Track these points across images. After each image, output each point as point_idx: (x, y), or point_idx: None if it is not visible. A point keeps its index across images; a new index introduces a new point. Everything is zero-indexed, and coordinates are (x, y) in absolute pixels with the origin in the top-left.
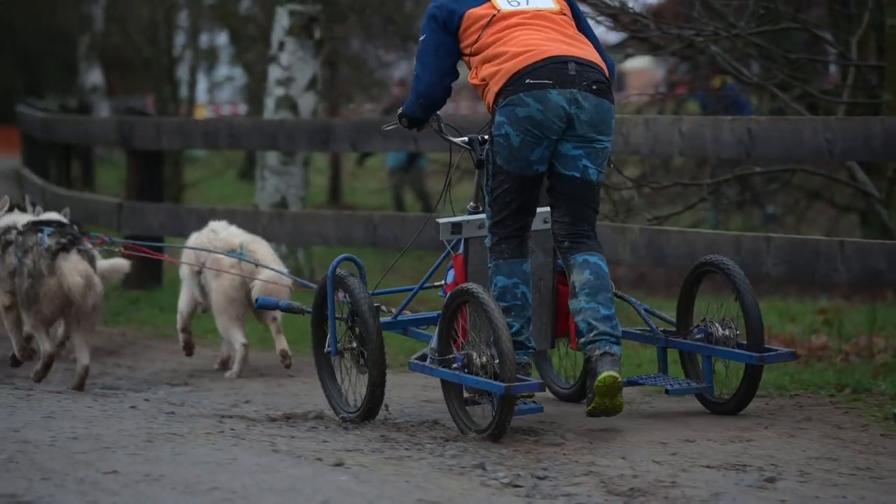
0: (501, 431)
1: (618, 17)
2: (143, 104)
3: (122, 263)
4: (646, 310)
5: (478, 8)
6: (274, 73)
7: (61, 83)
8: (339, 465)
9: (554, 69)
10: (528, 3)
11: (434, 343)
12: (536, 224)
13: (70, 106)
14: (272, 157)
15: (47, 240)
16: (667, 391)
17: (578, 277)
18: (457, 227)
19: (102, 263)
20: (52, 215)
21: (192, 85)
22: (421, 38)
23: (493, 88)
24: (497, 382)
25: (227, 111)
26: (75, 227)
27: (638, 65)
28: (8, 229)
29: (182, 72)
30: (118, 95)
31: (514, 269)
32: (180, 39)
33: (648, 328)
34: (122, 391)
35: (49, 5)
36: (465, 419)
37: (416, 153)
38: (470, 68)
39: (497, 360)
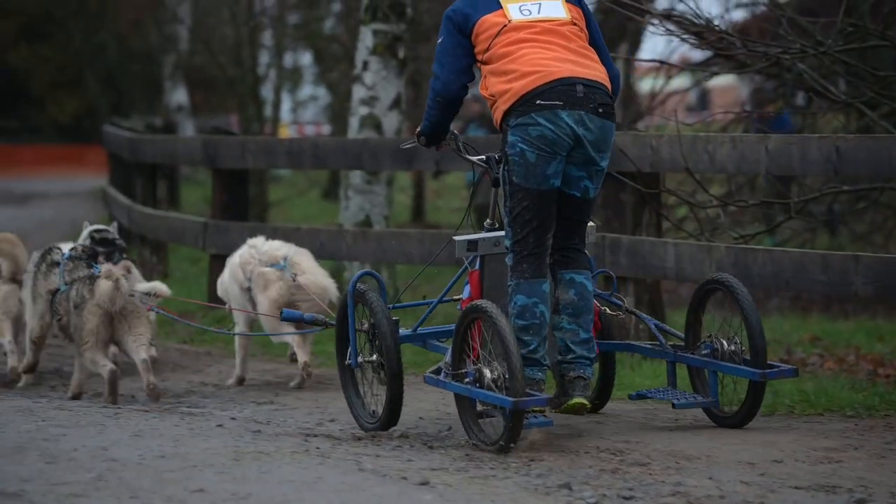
0: (511, 444)
1: (703, 35)
2: (228, 123)
3: (161, 287)
4: (656, 325)
5: (490, 15)
6: (358, 92)
7: (146, 102)
8: (424, 483)
9: (563, 91)
10: (539, 12)
11: (448, 357)
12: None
13: (155, 125)
14: (356, 177)
15: (99, 270)
16: (673, 405)
17: (563, 296)
18: (473, 244)
19: (143, 285)
20: (101, 227)
21: (277, 104)
22: (439, 41)
23: (503, 107)
24: (506, 397)
25: (311, 131)
26: (121, 242)
27: (723, 82)
28: (51, 249)
29: (266, 91)
30: (202, 115)
31: (533, 289)
32: (264, 59)
33: (658, 343)
34: (208, 409)
35: (135, 25)
36: (478, 432)
37: None
38: (481, 77)
39: (507, 376)
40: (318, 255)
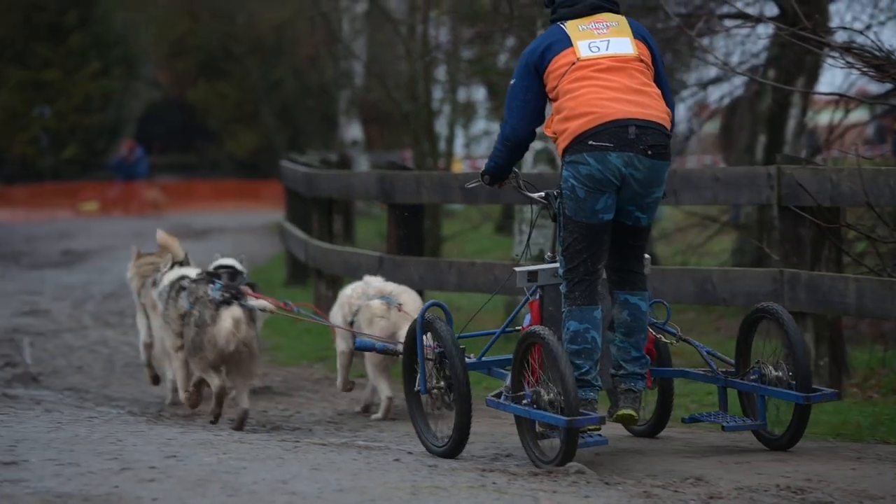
0: (567, 461)
1: (883, 68)
2: (402, 158)
3: (267, 305)
4: (708, 352)
5: (562, 54)
6: None
7: (322, 138)
8: None
9: (614, 133)
10: (607, 49)
11: (508, 381)
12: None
13: (331, 160)
14: (530, 211)
15: (216, 292)
16: (723, 428)
17: (618, 315)
18: (533, 275)
19: (254, 302)
20: (228, 261)
21: (451, 139)
22: (511, 83)
23: (562, 144)
24: (560, 416)
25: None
26: (245, 275)
27: None
28: (182, 277)
29: (440, 126)
30: (376, 150)
31: (585, 315)
32: (438, 94)
33: (710, 369)
34: (385, 444)
35: (311, 61)
36: (536, 451)
37: None
38: (549, 120)
39: (562, 397)
40: (492, 290)
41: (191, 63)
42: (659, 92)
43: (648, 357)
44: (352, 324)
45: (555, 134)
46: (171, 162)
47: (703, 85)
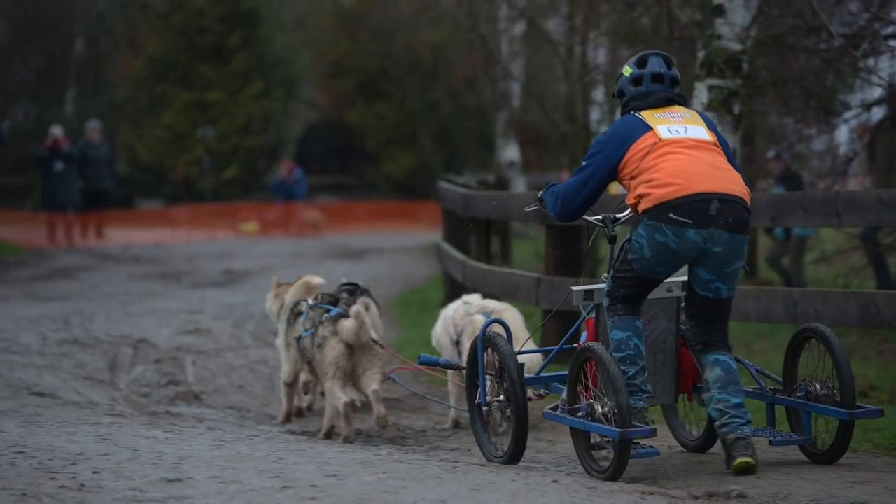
0: (620, 472)
1: None
2: (559, 180)
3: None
4: (757, 370)
5: (641, 139)
6: None
7: (479, 159)
8: None
9: (696, 208)
10: (686, 133)
11: (564, 395)
12: (660, 293)
13: (488, 181)
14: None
15: (333, 312)
16: (770, 442)
17: (710, 374)
18: (589, 293)
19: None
20: (350, 283)
21: None
22: (584, 163)
23: (643, 206)
24: (614, 428)
25: None
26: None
27: None
28: (299, 302)
29: None
30: (534, 171)
31: (627, 324)
32: (595, 115)
33: (759, 387)
34: (543, 465)
35: (468, 83)
36: (591, 462)
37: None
38: (627, 190)
39: (615, 409)
40: None
41: (349, 84)
42: (738, 173)
43: (746, 409)
44: (457, 343)
45: (637, 198)
46: (330, 183)
47: (867, 106)
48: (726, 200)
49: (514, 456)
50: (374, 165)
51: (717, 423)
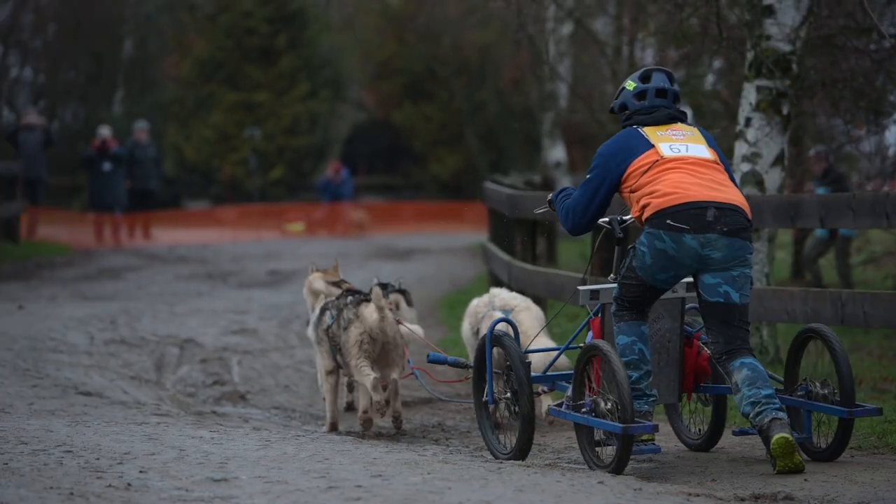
0: (622, 467)
1: None
2: None
3: (418, 330)
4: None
5: (643, 156)
6: (740, 148)
7: (525, 159)
8: None
9: (693, 215)
10: (687, 151)
11: (569, 392)
12: (665, 294)
13: (535, 182)
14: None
15: (351, 298)
16: None
17: (738, 376)
18: (595, 293)
19: (407, 326)
20: (383, 283)
21: None
22: (588, 176)
23: (644, 215)
24: (616, 423)
25: None
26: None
27: None
28: (328, 303)
29: None
30: (580, 172)
31: (632, 329)
32: None
33: None
34: (587, 466)
35: (515, 83)
36: (594, 457)
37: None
38: (629, 204)
39: (619, 406)
40: None
41: (396, 85)
42: (738, 188)
43: (778, 400)
44: (477, 332)
45: (640, 210)
46: (376, 183)
47: None
48: (723, 208)
49: (520, 453)
50: (421, 166)
51: (751, 416)
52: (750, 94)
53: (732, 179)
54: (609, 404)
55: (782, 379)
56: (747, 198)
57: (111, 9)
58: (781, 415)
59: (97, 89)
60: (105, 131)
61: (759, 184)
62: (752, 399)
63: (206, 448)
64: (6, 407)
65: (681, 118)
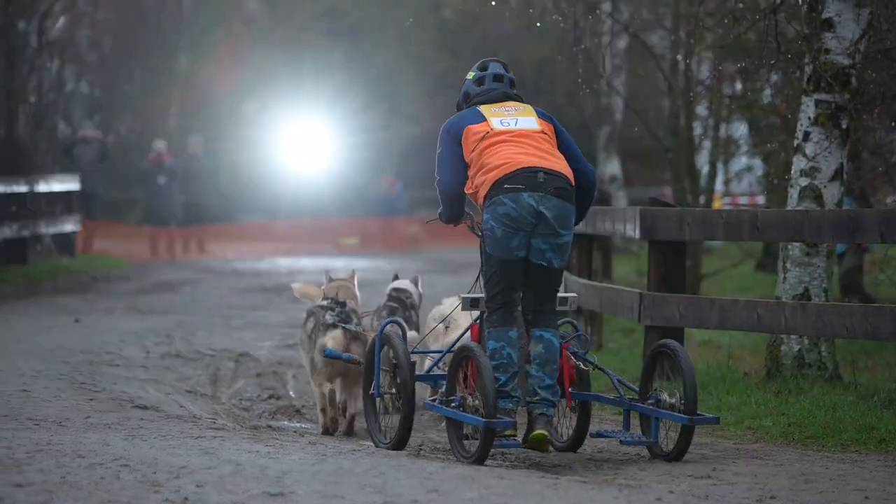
0: (483, 458)
1: None
2: (661, 195)
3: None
4: (618, 380)
5: (476, 125)
6: (798, 163)
7: None
8: None
9: (526, 177)
10: (516, 125)
11: (443, 388)
12: None
13: None
14: (795, 248)
15: (328, 318)
16: (621, 442)
17: (534, 349)
18: (475, 302)
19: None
20: (402, 284)
21: (713, 176)
22: (438, 151)
23: (481, 193)
24: (479, 418)
25: (744, 202)
26: (412, 301)
27: None
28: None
29: (700, 162)
30: (635, 186)
31: (502, 335)
32: (699, 129)
33: (618, 394)
34: (646, 482)
35: (571, 97)
36: (461, 449)
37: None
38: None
39: (482, 402)
40: (755, 328)
41: (451, 99)
42: (562, 156)
43: (559, 387)
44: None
45: (475, 188)
46: (431, 198)
47: None
48: (550, 173)
49: (399, 443)
50: None
51: (528, 398)
52: (808, 108)
53: (569, 148)
54: (476, 401)
55: (637, 388)
56: (805, 213)
57: (166, 23)
58: (551, 411)
59: (153, 103)
60: (160, 145)
61: (818, 198)
62: (536, 383)
63: (262, 462)
64: (63, 420)
65: (515, 97)
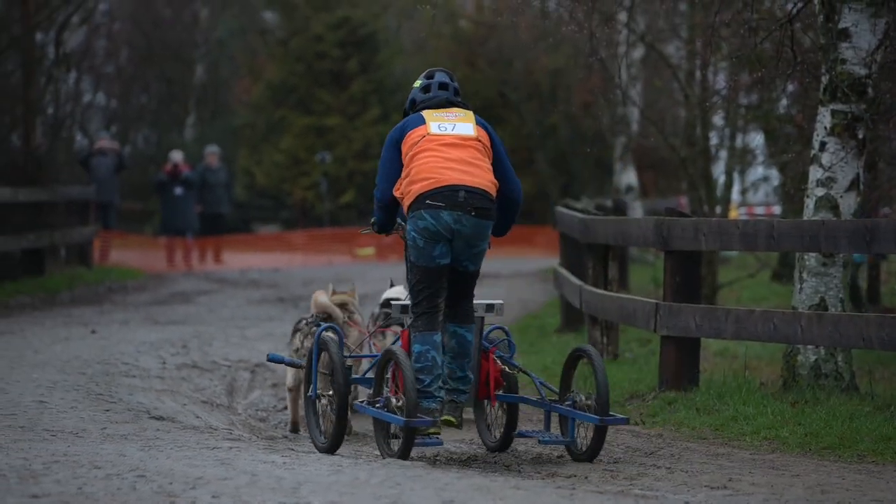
0: (406, 455)
1: None
2: (677, 205)
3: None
4: (540, 382)
5: (416, 129)
6: (815, 173)
7: (596, 184)
8: None
9: (447, 195)
10: (453, 130)
11: (371, 389)
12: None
13: (606, 206)
14: (811, 259)
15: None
16: (539, 441)
17: (448, 343)
18: (406, 308)
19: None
20: (396, 290)
21: (729, 186)
22: (382, 157)
23: (406, 203)
24: (400, 417)
25: (761, 213)
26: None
27: None
28: (300, 320)
29: (716, 172)
30: (651, 196)
31: (426, 339)
32: (715, 139)
33: (540, 396)
34: (661, 493)
35: (586, 107)
36: (386, 446)
37: None
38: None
39: (404, 402)
40: (771, 338)
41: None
42: (489, 166)
43: (471, 376)
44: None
45: (402, 195)
46: None
47: None
48: (472, 191)
49: (335, 443)
50: None
51: (440, 384)
52: (825, 119)
53: (499, 155)
54: (400, 402)
55: (557, 389)
56: (822, 223)
57: (183, 34)
58: (462, 398)
59: (169, 114)
60: (177, 156)
61: (834, 208)
62: (449, 375)
63: (278, 473)
64: (80, 431)
65: (458, 104)
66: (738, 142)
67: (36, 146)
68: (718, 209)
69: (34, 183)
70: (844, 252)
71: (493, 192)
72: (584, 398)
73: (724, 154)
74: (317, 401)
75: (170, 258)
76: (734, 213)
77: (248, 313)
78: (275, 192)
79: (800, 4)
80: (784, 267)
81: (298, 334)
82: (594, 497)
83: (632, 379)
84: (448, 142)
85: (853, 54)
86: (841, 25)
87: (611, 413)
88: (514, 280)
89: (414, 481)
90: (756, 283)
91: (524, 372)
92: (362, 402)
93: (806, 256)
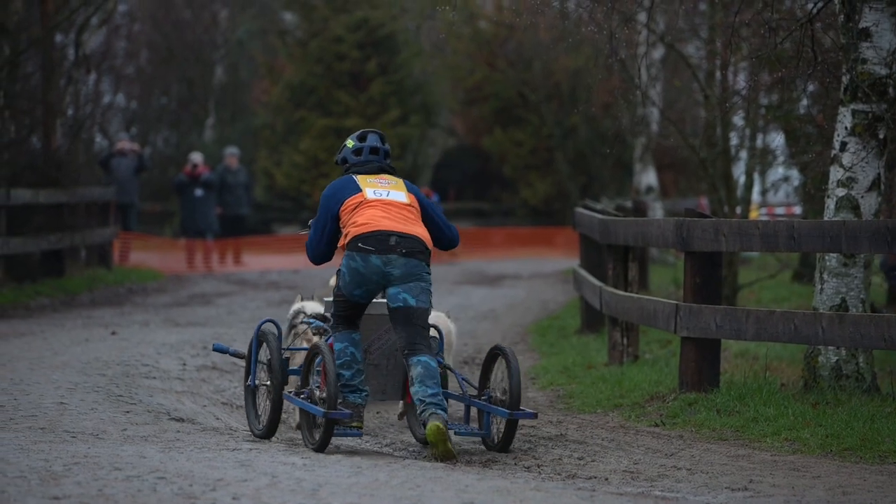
0: (324, 445)
1: None
2: (697, 206)
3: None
4: (462, 378)
5: (352, 197)
6: (835, 173)
7: (616, 184)
8: None
9: (379, 240)
10: (388, 195)
11: (299, 381)
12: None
13: (626, 207)
14: (832, 259)
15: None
16: (454, 433)
17: (413, 372)
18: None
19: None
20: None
21: (749, 186)
22: (316, 217)
23: (342, 242)
24: (319, 408)
25: (781, 213)
26: None
27: None
28: (297, 314)
29: (736, 173)
30: (671, 197)
31: (345, 337)
32: (735, 139)
33: (462, 391)
34: (681, 495)
35: (606, 108)
36: (309, 437)
37: None
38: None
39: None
40: (792, 339)
41: (486, 110)
42: (423, 226)
43: (441, 393)
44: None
45: (343, 239)
46: (466, 208)
47: None
48: (404, 236)
49: (270, 429)
50: (511, 191)
51: (418, 413)
52: (845, 119)
53: (432, 219)
54: (323, 394)
55: (477, 385)
56: (842, 223)
57: (202, 35)
58: (442, 413)
59: (189, 115)
60: (196, 157)
61: (855, 209)
62: (420, 395)
63: (298, 475)
64: (100, 433)
65: (389, 170)
66: (759, 142)
67: (56, 148)
68: (739, 210)
69: (54, 184)
70: (865, 252)
71: (427, 240)
72: (499, 394)
73: (744, 154)
74: (255, 390)
75: (190, 260)
76: (754, 214)
77: (268, 315)
78: (294, 194)
79: (820, 4)
80: (805, 267)
81: (293, 331)
82: (614, 499)
83: (652, 380)
84: (385, 202)
85: (874, 54)
86: (861, 25)
87: (521, 408)
88: (534, 281)
89: (434, 483)
90: (777, 284)
91: (448, 368)
92: (290, 392)
93: (827, 257)
